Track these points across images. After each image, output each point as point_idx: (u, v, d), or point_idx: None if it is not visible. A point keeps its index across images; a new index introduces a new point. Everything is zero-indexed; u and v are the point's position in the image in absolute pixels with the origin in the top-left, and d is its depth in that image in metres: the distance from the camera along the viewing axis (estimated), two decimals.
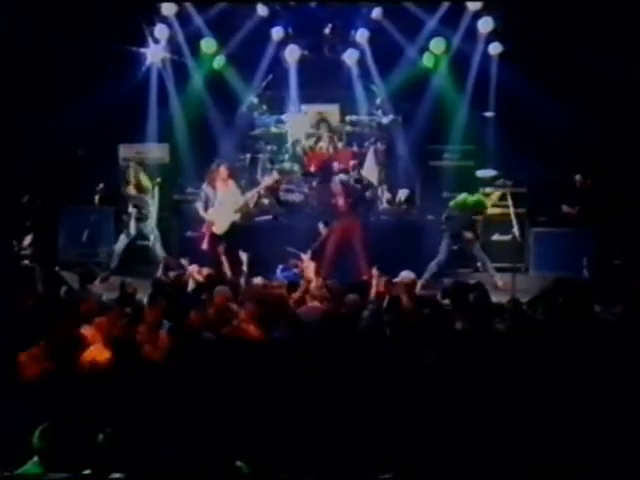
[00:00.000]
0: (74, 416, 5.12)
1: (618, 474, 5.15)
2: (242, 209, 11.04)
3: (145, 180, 11.42)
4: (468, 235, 10.86)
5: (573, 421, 5.45)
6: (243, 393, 5.73)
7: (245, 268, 9.27)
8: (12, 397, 5.64)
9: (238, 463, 4.94)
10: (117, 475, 4.84)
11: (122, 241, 11.33)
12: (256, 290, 8.41)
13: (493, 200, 11.27)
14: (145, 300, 7.96)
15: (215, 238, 10.71)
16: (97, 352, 6.49)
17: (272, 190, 12.57)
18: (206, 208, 10.90)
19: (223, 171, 11.01)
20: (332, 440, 5.31)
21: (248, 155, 12.95)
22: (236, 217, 10.97)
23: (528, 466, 5.17)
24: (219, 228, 10.86)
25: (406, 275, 8.64)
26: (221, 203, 10.89)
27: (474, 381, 5.89)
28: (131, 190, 11.31)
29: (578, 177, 11.56)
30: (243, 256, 9.36)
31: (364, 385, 5.82)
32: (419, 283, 9.82)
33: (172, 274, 9.40)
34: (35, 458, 4.95)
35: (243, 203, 11.01)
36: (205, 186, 11.05)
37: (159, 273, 10.05)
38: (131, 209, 11.16)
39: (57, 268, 10.36)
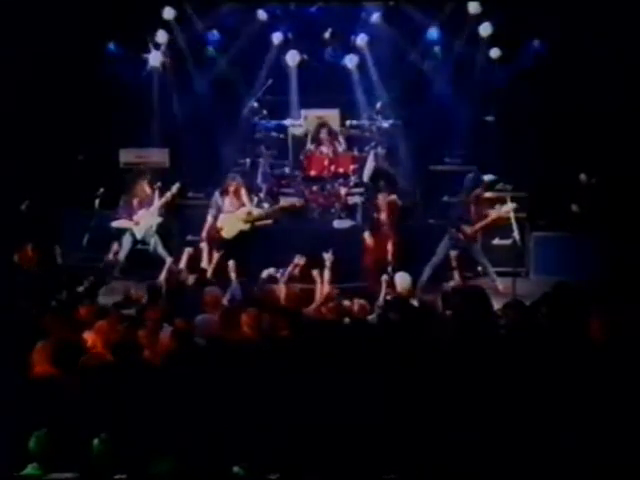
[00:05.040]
0: (71, 420, 5.13)
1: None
2: (252, 221, 11.25)
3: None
4: (466, 229, 10.83)
5: (573, 424, 5.45)
6: (242, 397, 5.72)
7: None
8: (12, 401, 5.63)
9: (235, 468, 4.94)
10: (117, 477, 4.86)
11: (125, 245, 11.37)
12: (263, 293, 8.48)
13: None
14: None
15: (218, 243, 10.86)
16: (97, 356, 6.48)
17: (272, 195, 12.66)
18: (216, 216, 11.25)
19: (238, 184, 11.31)
20: (333, 443, 5.31)
21: (248, 159, 12.96)
22: (246, 227, 11.25)
23: (530, 467, 5.18)
24: (227, 233, 11.12)
25: (402, 277, 8.68)
26: (230, 212, 11.21)
27: (475, 383, 5.89)
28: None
29: (583, 176, 11.52)
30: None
31: (363, 387, 5.82)
32: (418, 287, 9.81)
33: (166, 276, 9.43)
34: (34, 463, 4.95)
35: (256, 216, 11.27)
36: (217, 196, 11.34)
37: (162, 276, 10.02)
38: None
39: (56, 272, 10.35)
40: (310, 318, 7.76)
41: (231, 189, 11.32)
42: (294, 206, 11.67)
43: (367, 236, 10.87)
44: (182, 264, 9.59)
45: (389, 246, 10.63)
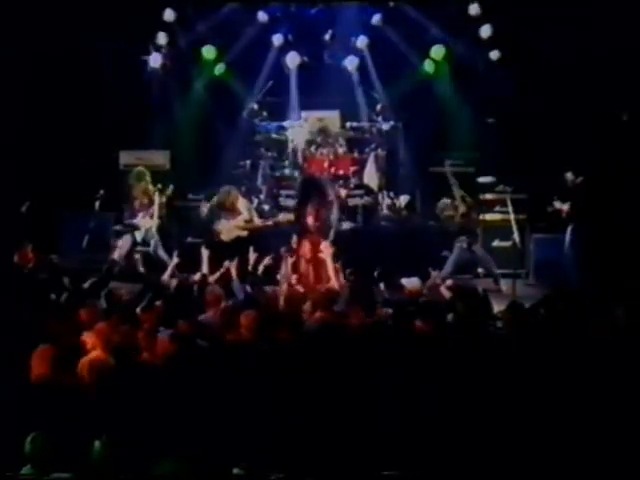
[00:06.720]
0: (69, 422, 5.12)
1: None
2: (250, 228, 11.31)
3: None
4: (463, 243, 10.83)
5: (572, 425, 5.46)
6: (242, 399, 5.72)
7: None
8: (10, 402, 5.63)
9: (235, 470, 4.94)
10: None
11: (125, 246, 11.37)
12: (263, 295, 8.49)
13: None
14: (141, 306, 7.95)
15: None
16: (96, 357, 6.47)
17: (273, 196, 12.66)
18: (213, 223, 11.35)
19: (234, 198, 11.33)
20: (333, 443, 5.31)
21: (248, 161, 12.97)
22: (243, 233, 11.31)
23: (530, 467, 5.19)
24: (225, 237, 11.24)
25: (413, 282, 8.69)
26: (228, 219, 11.31)
27: (475, 384, 5.89)
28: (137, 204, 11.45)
29: (569, 175, 11.48)
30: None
31: (362, 388, 5.83)
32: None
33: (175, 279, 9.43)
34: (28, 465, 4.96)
35: (253, 225, 11.40)
36: (215, 207, 11.39)
37: (166, 275, 10.00)
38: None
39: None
40: (309, 319, 7.75)
41: (227, 204, 11.34)
42: (290, 222, 11.72)
43: (294, 241, 10.75)
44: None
45: (327, 250, 10.53)
